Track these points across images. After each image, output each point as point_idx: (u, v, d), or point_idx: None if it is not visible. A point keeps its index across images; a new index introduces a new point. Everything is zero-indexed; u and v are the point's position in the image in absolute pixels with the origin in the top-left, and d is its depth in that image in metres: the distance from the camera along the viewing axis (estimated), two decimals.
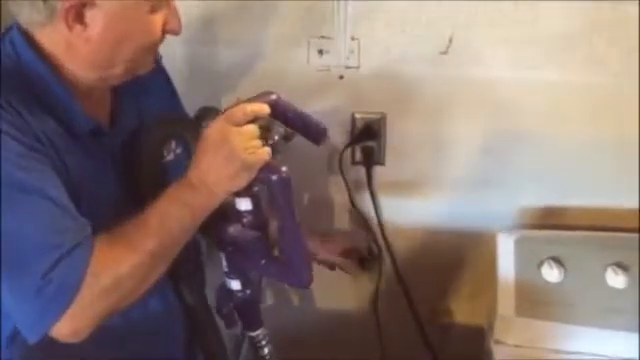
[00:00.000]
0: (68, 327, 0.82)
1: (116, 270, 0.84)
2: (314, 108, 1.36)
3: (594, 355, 1.12)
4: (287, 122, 0.96)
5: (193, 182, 0.88)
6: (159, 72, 1.12)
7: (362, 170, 1.41)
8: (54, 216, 0.83)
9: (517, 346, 1.15)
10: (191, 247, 1.03)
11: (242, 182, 0.88)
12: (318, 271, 1.50)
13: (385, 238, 1.45)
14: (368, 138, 1.39)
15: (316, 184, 1.46)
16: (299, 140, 1.40)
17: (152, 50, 0.93)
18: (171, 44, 1.14)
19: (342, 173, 1.41)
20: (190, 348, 1.09)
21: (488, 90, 1.30)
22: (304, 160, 1.41)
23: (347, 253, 1.38)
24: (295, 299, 1.56)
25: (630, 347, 1.09)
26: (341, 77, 1.35)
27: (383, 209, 1.44)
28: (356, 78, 1.35)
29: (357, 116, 1.38)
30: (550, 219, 1.35)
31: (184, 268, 1.01)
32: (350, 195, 1.43)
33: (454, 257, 1.46)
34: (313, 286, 1.51)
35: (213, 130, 0.87)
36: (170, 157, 1.01)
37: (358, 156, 1.41)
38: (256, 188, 0.92)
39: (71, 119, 0.89)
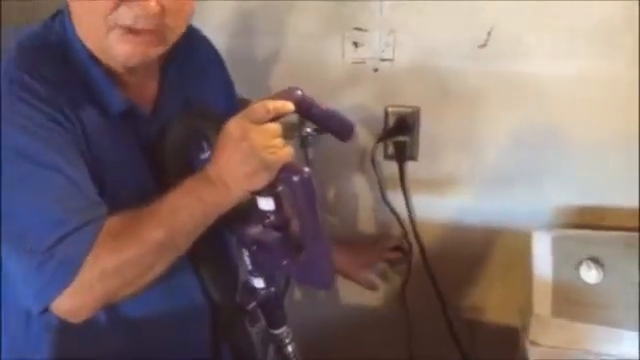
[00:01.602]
0: (67, 304, 0.83)
1: (119, 255, 0.83)
2: (347, 101, 1.37)
3: (632, 358, 1.09)
4: (312, 119, 0.94)
5: (211, 177, 0.86)
6: (216, 62, 1.13)
7: (394, 165, 1.40)
8: (65, 193, 0.84)
9: (553, 347, 1.12)
10: (218, 245, 1.02)
11: (261, 182, 0.86)
12: None
13: (416, 235, 1.43)
14: (401, 133, 1.37)
15: (347, 179, 1.45)
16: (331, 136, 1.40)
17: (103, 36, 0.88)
18: (207, 33, 1.15)
19: (374, 168, 1.39)
20: (216, 346, 1.08)
21: (526, 84, 1.28)
22: (336, 154, 1.41)
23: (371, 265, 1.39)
24: (322, 294, 1.55)
25: None
26: (375, 70, 1.34)
27: (415, 205, 1.42)
28: (391, 71, 1.33)
29: (390, 110, 1.37)
30: (586, 218, 1.32)
31: (210, 267, 1.01)
32: (382, 190, 1.42)
33: (486, 255, 1.44)
34: (340, 281, 1.54)
35: (233, 126, 0.85)
36: (205, 156, 0.99)
37: (391, 151, 1.40)
38: (279, 188, 0.90)
39: (105, 99, 0.90)
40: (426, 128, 1.36)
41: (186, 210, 0.86)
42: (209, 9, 1.34)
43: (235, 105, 1.12)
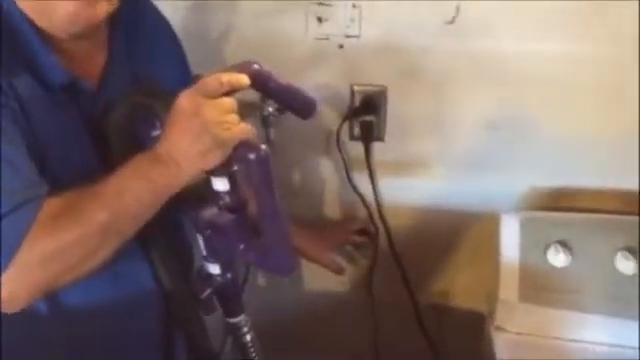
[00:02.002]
0: (3, 291, 0.77)
1: (59, 237, 0.78)
2: (311, 79, 1.31)
3: (601, 344, 1.06)
4: (270, 95, 0.89)
5: (160, 156, 0.81)
6: (166, 32, 1.07)
7: (360, 146, 1.34)
8: None
9: (519, 333, 1.09)
10: (171, 228, 0.97)
11: (214, 160, 0.81)
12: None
13: (382, 218, 1.39)
14: (368, 112, 1.32)
15: (312, 160, 1.40)
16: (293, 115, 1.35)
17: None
18: (162, 9, 1.09)
19: (339, 149, 1.34)
20: (169, 336, 1.03)
21: (496, 63, 1.23)
22: (299, 135, 1.36)
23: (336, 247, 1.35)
24: (286, 279, 1.50)
25: (638, 336, 1.03)
26: (341, 47, 1.28)
27: (381, 187, 1.37)
28: (356, 48, 1.28)
29: (356, 89, 1.31)
30: (558, 202, 1.28)
31: (162, 251, 0.96)
32: (347, 172, 1.36)
33: (455, 239, 1.39)
34: (305, 265, 1.49)
35: (183, 101, 0.80)
36: (156, 133, 0.93)
37: (357, 131, 1.35)
38: (235, 167, 0.85)
39: (45, 71, 0.84)
40: (393, 108, 1.31)
41: (133, 191, 0.81)
42: None
43: (188, 79, 1.05)
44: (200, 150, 0.80)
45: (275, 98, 0.91)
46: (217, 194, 0.88)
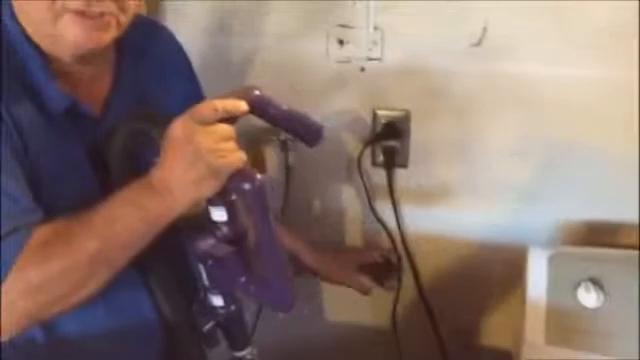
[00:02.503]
0: None
1: (46, 269, 0.75)
2: (332, 103, 1.27)
3: None
4: (271, 121, 0.85)
5: (153, 184, 0.78)
6: (179, 59, 1.04)
7: (383, 173, 1.29)
8: None
9: None
10: (173, 257, 0.93)
11: (209, 189, 0.78)
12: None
13: (406, 248, 1.33)
14: (390, 137, 1.27)
15: (332, 186, 1.35)
16: None
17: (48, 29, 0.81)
18: (183, 33, 1.07)
19: (361, 175, 1.29)
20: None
21: (525, 87, 1.16)
22: (319, 160, 1.32)
23: (362, 270, 1.28)
24: (306, 311, 1.45)
25: None
26: (362, 69, 1.24)
27: (405, 216, 1.32)
28: (379, 71, 1.23)
29: (379, 113, 1.26)
30: (592, 236, 1.20)
31: (163, 280, 0.92)
32: (369, 199, 1.31)
33: (482, 272, 1.32)
34: (326, 297, 1.44)
35: (177, 127, 0.77)
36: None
37: (379, 157, 1.29)
38: (233, 197, 0.81)
39: (46, 96, 0.82)
40: (417, 133, 1.26)
41: (123, 220, 0.78)
42: (184, 8, 1.26)
43: (200, 99, 1.03)
44: (193, 178, 0.77)
45: (277, 124, 0.87)
46: (214, 224, 0.85)
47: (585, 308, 1.01)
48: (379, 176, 1.30)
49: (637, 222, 1.17)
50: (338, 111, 1.27)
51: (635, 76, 1.09)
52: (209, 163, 0.75)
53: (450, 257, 1.33)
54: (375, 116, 1.27)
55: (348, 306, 1.42)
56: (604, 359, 0.97)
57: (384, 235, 1.33)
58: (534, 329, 1.02)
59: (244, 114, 0.80)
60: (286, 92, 1.27)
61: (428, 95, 1.23)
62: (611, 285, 1.02)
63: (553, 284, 1.04)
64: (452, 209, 1.28)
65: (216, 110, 0.77)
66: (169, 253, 0.90)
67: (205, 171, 0.76)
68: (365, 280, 1.30)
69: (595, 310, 1.01)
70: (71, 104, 0.84)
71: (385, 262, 1.35)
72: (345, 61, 1.24)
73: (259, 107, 0.82)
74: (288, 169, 1.31)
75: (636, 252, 1.07)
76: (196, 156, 0.75)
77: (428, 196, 1.29)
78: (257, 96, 0.82)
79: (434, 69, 1.20)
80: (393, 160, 1.28)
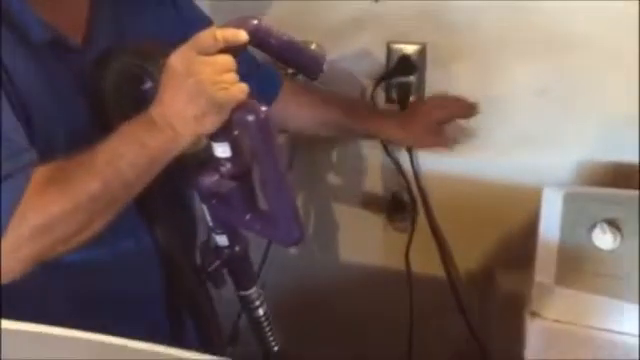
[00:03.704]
0: None
1: (49, 212, 0.74)
2: (344, 36, 1.23)
3: None
4: (271, 52, 0.81)
5: (155, 120, 0.76)
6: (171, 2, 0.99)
7: (397, 109, 1.25)
8: None
9: (556, 321, 0.98)
10: (174, 199, 0.93)
11: (212, 124, 0.75)
12: (343, 221, 1.39)
13: (420, 188, 1.29)
14: (405, 73, 1.22)
15: None
16: (327, 74, 1.26)
17: None
18: None
19: None
20: (174, 303, 0.99)
21: (550, 21, 1.10)
22: None
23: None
24: (319, 249, 1.43)
25: None
26: (376, 0, 1.18)
27: (419, 156, 1.28)
28: (393, 2, 1.17)
29: (393, 47, 1.21)
30: (612, 178, 1.15)
31: (160, 207, 0.91)
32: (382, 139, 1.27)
33: (498, 214, 1.28)
34: (339, 238, 1.42)
35: (176, 59, 0.74)
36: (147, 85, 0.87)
37: (394, 94, 1.25)
38: (237, 131, 0.79)
39: (26, 29, 0.79)
40: (433, 68, 1.21)
41: (126, 158, 0.76)
42: None
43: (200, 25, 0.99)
44: (195, 113, 0.74)
45: (277, 56, 0.83)
46: (218, 161, 0.83)
47: (599, 250, 0.96)
48: None
49: None
50: (349, 44, 1.23)
51: None
52: (210, 96, 0.73)
53: (466, 199, 1.28)
54: (389, 50, 1.22)
55: (360, 247, 1.40)
56: (614, 302, 0.93)
57: (398, 176, 1.30)
58: (544, 269, 0.98)
59: (244, 44, 0.76)
60: (296, 25, 1.24)
61: (446, 28, 1.17)
62: (628, 227, 0.97)
63: (567, 224, 1.00)
64: (469, 150, 1.24)
65: (216, 40, 0.73)
66: (168, 194, 0.89)
67: (207, 105, 0.73)
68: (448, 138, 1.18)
69: (609, 252, 0.96)
70: (53, 36, 0.82)
71: (398, 202, 1.32)
72: None
73: (259, 37, 0.78)
74: None
75: None
76: (197, 89, 0.73)
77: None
78: (256, 25, 0.78)
79: (452, 2, 1.14)
80: (408, 96, 1.23)
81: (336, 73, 1.26)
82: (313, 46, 1.24)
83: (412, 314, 1.36)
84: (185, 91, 0.73)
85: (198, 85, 0.72)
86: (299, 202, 1.41)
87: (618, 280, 0.95)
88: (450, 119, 1.17)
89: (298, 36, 1.19)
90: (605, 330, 0.95)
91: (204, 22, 1.03)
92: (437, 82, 1.21)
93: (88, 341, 0.58)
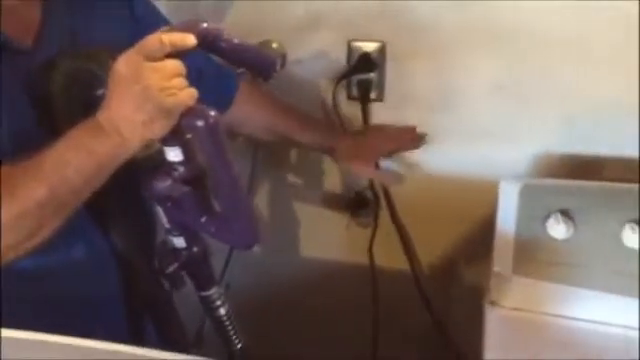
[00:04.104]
0: None
1: None
2: (304, 34, 1.24)
3: (602, 323, 0.97)
4: (221, 54, 0.81)
5: (102, 125, 0.75)
6: (127, 6, 0.98)
7: (358, 107, 1.27)
8: None
9: (515, 309, 1.00)
10: (129, 200, 0.92)
11: (160, 129, 0.75)
12: (307, 219, 1.41)
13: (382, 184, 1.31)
14: (366, 70, 1.24)
15: None
16: (288, 72, 1.28)
17: None
18: None
19: (336, 110, 1.27)
20: (133, 306, 0.99)
21: (503, 18, 1.13)
22: (292, 93, 1.29)
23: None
24: (284, 247, 1.45)
25: None
26: None
27: None
28: (353, 1, 1.19)
29: (353, 45, 1.23)
30: (569, 170, 1.19)
31: (115, 210, 0.91)
32: None
33: (459, 207, 1.30)
34: (303, 233, 1.43)
35: (122, 65, 0.73)
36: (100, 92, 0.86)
37: (355, 91, 1.27)
38: (188, 135, 0.79)
39: None
40: (393, 65, 1.23)
41: (72, 164, 0.75)
42: None
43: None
44: (143, 119, 0.74)
45: (228, 58, 0.83)
46: (171, 165, 0.82)
47: (554, 239, 0.99)
48: (354, 110, 1.27)
49: (612, 155, 1.16)
50: (311, 44, 1.24)
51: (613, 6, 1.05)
52: (158, 102, 0.72)
53: (427, 193, 1.31)
54: (350, 48, 1.23)
55: (324, 244, 1.41)
56: (570, 289, 0.96)
57: None
58: (502, 260, 1.01)
59: (193, 48, 0.76)
60: (257, 24, 1.25)
61: (404, 25, 1.19)
62: (581, 217, 1.00)
63: (523, 216, 1.02)
64: (429, 144, 1.26)
65: (162, 44, 0.72)
66: (123, 195, 0.89)
67: (154, 111, 0.73)
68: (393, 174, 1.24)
69: (564, 241, 0.99)
70: (3, 40, 0.81)
71: (361, 198, 1.34)
72: None
73: (208, 40, 0.78)
74: None
75: (610, 184, 1.05)
76: (144, 95, 0.72)
77: None
78: (205, 28, 0.78)
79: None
80: (368, 94, 1.25)
81: (297, 72, 1.27)
82: (274, 45, 1.26)
83: (377, 308, 1.38)
84: (132, 97, 0.73)
85: (145, 91, 0.72)
86: (263, 200, 1.42)
87: (572, 268, 0.98)
88: (399, 151, 1.24)
89: (259, 35, 1.25)
90: (561, 317, 0.98)
91: (159, 23, 1.04)
92: (397, 79, 1.24)
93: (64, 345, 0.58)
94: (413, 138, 1.22)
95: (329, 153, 1.22)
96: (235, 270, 1.36)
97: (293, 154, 1.37)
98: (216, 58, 0.85)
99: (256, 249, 1.46)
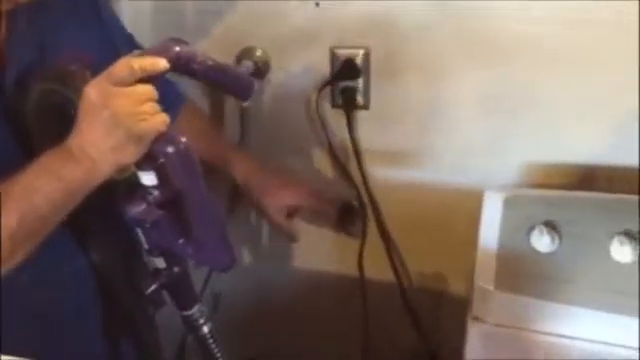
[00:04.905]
0: None
1: None
2: (286, 40, 1.21)
3: (589, 341, 0.93)
4: (197, 78, 0.80)
5: (72, 151, 0.74)
6: (88, 5, 0.96)
7: (343, 115, 1.23)
8: None
9: (498, 325, 0.97)
10: (104, 204, 0.89)
11: (131, 155, 0.74)
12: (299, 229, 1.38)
13: (369, 192, 1.28)
14: (350, 77, 1.21)
15: (291, 130, 1.29)
16: (272, 81, 1.26)
17: None
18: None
19: (320, 117, 1.24)
20: (111, 325, 0.97)
21: (492, 26, 1.09)
22: (276, 103, 1.26)
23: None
24: (273, 258, 1.42)
25: (633, 334, 0.90)
26: (317, 4, 1.17)
27: (367, 159, 1.26)
28: (336, 6, 1.16)
29: (337, 52, 1.20)
30: (555, 180, 1.14)
31: (96, 229, 0.90)
32: (329, 143, 1.26)
33: (447, 219, 1.26)
34: (293, 246, 1.40)
35: (92, 91, 0.72)
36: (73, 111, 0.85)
37: (339, 99, 1.23)
38: (161, 160, 0.78)
39: None
40: (378, 72, 1.19)
41: (42, 191, 0.74)
42: None
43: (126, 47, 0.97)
44: (113, 145, 0.73)
45: (203, 80, 0.82)
46: (146, 188, 0.81)
47: (538, 252, 0.96)
48: (339, 118, 1.24)
49: (600, 165, 1.11)
50: (293, 49, 1.21)
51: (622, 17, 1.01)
52: (128, 128, 0.71)
53: (414, 201, 1.27)
54: (333, 55, 1.20)
55: (313, 254, 1.38)
56: (553, 305, 0.93)
57: (348, 184, 1.28)
58: (484, 274, 0.98)
59: (165, 72, 0.75)
60: (241, 32, 1.23)
61: (389, 31, 1.16)
62: (567, 229, 0.96)
63: (506, 227, 0.99)
64: (415, 156, 1.23)
65: (132, 69, 0.71)
66: (105, 209, 0.87)
67: (124, 137, 0.72)
68: (293, 229, 1.26)
69: (548, 255, 0.96)
70: None
71: (348, 208, 1.31)
72: None
73: (181, 64, 0.77)
74: (243, 112, 1.26)
75: (592, 194, 1.00)
76: (114, 122, 0.71)
77: (390, 138, 1.23)
78: (178, 52, 0.77)
79: (397, 2, 1.13)
80: (353, 101, 1.22)
81: (281, 80, 1.25)
82: (258, 52, 1.23)
83: (366, 320, 1.35)
84: (101, 123, 0.72)
85: (114, 117, 0.71)
86: (252, 210, 1.40)
87: (557, 283, 0.94)
88: (300, 210, 1.25)
89: (243, 43, 1.22)
90: (546, 333, 0.95)
91: (124, 37, 1.02)
92: (382, 86, 1.20)
93: None
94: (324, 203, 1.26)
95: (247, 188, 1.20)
96: (225, 280, 1.34)
97: (281, 165, 1.34)
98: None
99: (247, 259, 1.44)
